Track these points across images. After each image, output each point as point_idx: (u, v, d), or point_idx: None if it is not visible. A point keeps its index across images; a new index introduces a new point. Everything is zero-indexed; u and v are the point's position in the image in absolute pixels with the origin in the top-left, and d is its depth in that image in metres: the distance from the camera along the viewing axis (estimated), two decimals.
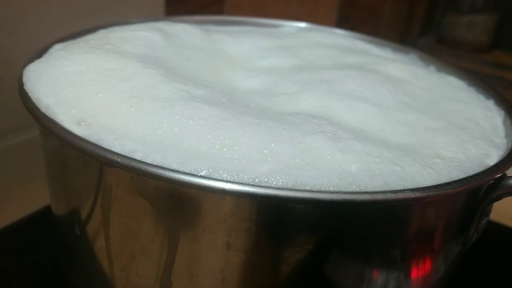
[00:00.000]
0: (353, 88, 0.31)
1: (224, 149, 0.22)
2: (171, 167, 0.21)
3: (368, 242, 0.24)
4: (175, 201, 0.23)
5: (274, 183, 0.21)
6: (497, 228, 0.46)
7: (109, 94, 0.26)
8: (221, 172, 0.21)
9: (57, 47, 0.32)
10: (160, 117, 0.24)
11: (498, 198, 0.27)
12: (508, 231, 0.47)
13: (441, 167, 0.25)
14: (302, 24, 0.47)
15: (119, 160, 0.22)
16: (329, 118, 0.27)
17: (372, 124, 0.28)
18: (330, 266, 0.24)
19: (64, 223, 0.30)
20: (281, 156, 0.22)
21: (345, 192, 0.21)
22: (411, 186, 0.23)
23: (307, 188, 0.21)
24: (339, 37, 0.45)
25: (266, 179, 0.21)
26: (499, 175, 0.26)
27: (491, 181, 0.26)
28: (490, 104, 0.35)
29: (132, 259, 0.26)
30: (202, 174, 0.21)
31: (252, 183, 0.21)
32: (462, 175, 0.25)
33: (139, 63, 0.29)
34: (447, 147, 0.27)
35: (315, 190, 0.21)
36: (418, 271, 0.27)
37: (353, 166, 0.22)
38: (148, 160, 0.22)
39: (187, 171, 0.21)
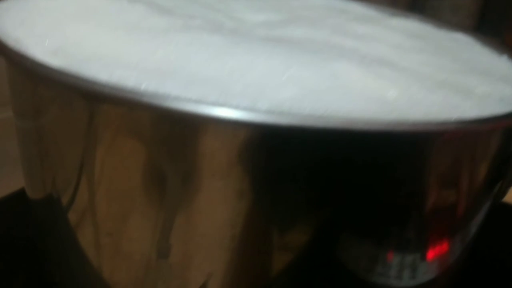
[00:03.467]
0: (362, 32, 0.27)
1: (235, 74, 0.17)
2: (171, 94, 0.17)
3: (397, 181, 0.20)
4: (176, 141, 0.18)
5: (302, 110, 0.16)
6: None
7: (92, 26, 0.21)
8: (233, 99, 0.17)
9: None
10: (154, 44, 0.19)
11: None
12: None
13: (481, 102, 0.21)
14: None
15: (106, 90, 0.17)
16: (348, 49, 0.23)
17: (393, 61, 0.24)
18: (359, 212, 0.20)
19: (38, 187, 0.25)
20: (305, 80, 0.17)
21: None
22: (455, 117, 0.18)
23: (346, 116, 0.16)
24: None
25: (291, 106, 0.17)
26: None
27: None
28: (504, 58, 0.32)
29: (122, 221, 0.21)
30: (211, 101, 0.17)
31: (275, 111, 0.16)
32: (506, 110, 0.21)
33: (125, 0, 0.25)
34: (480, 85, 0.23)
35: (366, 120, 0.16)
36: (450, 220, 0.23)
37: (391, 92, 0.18)
38: (143, 88, 0.17)
39: (192, 98, 0.17)
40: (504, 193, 0.24)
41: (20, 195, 0.39)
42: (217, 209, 0.19)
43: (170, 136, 0.18)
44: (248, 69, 0.18)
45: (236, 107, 0.16)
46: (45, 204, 0.25)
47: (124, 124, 0.18)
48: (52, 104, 0.20)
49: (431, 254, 0.23)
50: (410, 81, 0.20)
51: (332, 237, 0.20)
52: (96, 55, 0.18)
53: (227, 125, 0.16)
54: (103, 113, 0.18)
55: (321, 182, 0.18)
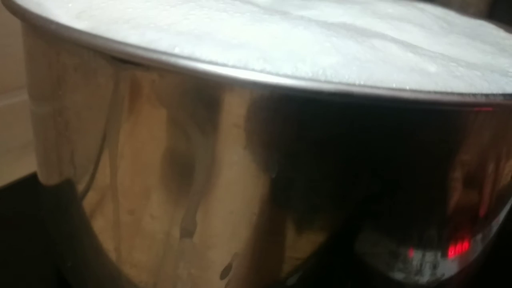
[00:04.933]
0: (390, 11, 0.26)
1: (275, 39, 0.16)
2: (208, 59, 0.16)
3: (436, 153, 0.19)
4: (208, 110, 0.16)
5: (346, 77, 0.15)
6: None
7: None
8: (274, 64, 0.16)
9: None
10: (186, 8, 0.18)
11: None
12: None
13: None
14: None
15: (139, 52, 0.15)
16: (377, 32, 0.22)
17: (423, 43, 0.23)
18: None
19: (53, 168, 0.23)
20: (347, 49, 0.16)
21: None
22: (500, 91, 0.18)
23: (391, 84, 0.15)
24: None
25: (334, 73, 0.16)
26: None
27: None
28: None
29: (145, 197, 0.19)
30: (251, 67, 0.16)
31: (319, 78, 0.15)
32: None
33: None
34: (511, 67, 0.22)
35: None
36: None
37: (432, 66, 0.17)
38: (177, 51, 0.16)
39: (229, 63, 0.16)
40: None
41: (28, 180, 0.37)
42: (246, 184, 0.18)
43: (202, 104, 0.16)
44: (288, 35, 0.16)
45: (277, 73, 0.15)
46: (60, 186, 0.23)
47: (154, 92, 0.17)
48: (76, 73, 0.19)
49: (452, 251, 0.23)
50: (448, 59, 0.19)
51: (354, 225, 0.19)
52: (124, 17, 0.17)
53: (267, 91, 0.15)
54: (131, 80, 0.17)
55: (354, 157, 0.17)
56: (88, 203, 0.22)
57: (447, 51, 0.22)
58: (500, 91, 0.18)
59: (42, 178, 0.26)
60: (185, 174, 0.18)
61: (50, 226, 0.27)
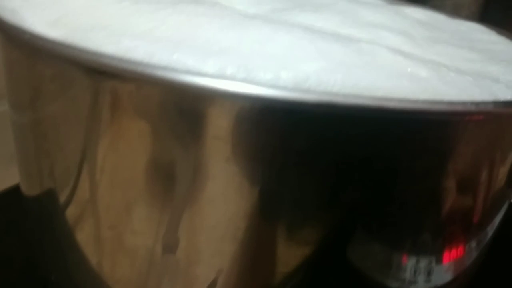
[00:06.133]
0: (373, 19, 0.25)
1: (255, 45, 0.16)
2: (185, 67, 0.15)
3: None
4: (188, 122, 0.16)
5: (331, 84, 0.15)
6: None
7: None
8: (255, 71, 0.15)
9: None
10: (164, 14, 0.17)
11: None
12: None
13: (509, 87, 0.19)
14: None
15: (114, 63, 0.15)
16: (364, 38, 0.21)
17: (411, 52, 0.22)
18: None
19: (35, 179, 0.22)
20: (332, 53, 0.16)
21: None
22: (493, 98, 0.17)
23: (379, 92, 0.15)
24: None
25: (318, 80, 0.15)
26: None
27: None
28: None
29: (126, 212, 0.19)
30: (230, 75, 0.15)
31: (302, 87, 0.15)
32: None
33: None
34: (503, 74, 0.21)
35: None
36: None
37: (422, 71, 0.16)
38: (155, 60, 0.15)
39: (210, 71, 0.15)
40: None
41: (13, 192, 0.36)
42: (230, 197, 0.17)
43: (182, 116, 0.16)
44: (269, 40, 0.16)
45: (257, 82, 0.14)
46: (41, 198, 0.22)
47: (132, 104, 0.16)
48: (52, 83, 0.18)
49: (446, 257, 0.22)
50: (434, 66, 0.18)
51: (344, 235, 0.18)
52: (100, 25, 0.16)
53: (245, 101, 0.15)
54: (108, 91, 0.16)
55: (341, 166, 0.16)
56: (69, 217, 0.21)
57: (437, 60, 0.22)
58: (492, 97, 0.17)
59: (24, 189, 0.25)
60: (167, 188, 0.17)
61: (33, 238, 0.26)
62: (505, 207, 0.24)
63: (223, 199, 0.17)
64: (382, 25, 0.24)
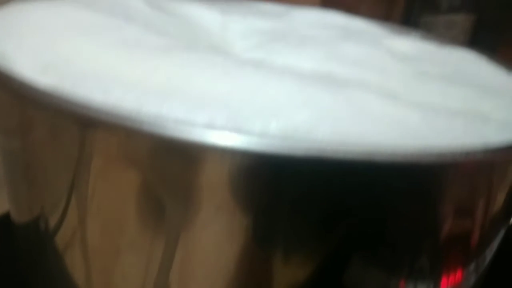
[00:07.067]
0: (356, 54, 0.25)
1: (245, 95, 0.16)
2: (175, 118, 0.15)
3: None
4: (177, 171, 0.16)
5: (320, 135, 0.15)
6: None
7: (86, 41, 0.19)
8: (244, 122, 0.15)
9: (17, 3, 0.25)
10: (156, 62, 0.17)
11: None
12: None
13: (500, 127, 0.19)
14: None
15: (101, 117, 0.15)
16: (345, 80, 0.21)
17: (398, 92, 0.22)
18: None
19: (27, 221, 0.22)
20: (318, 103, 0.16)
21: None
22: (481, 145, 0.17)
23: (365, 143, 0.15)
24: (335, 15, 0.39)
25: (307, 131, 0.15)
26: None
27: None
28: None
29: (116, 256, 0.19)
30: (218, 127, 0.15)
31: (291, 139, 0.15)
32: None
33: (121, 19, 0.23)
34: (495, 110, 0.21)
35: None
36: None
37: (411, 117, 0.16)
38: (143, 112, 0.15)
39: (199, 122, 0.15)
40: None
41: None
42: (221, 244, 0.17)
43: (171, 165, 0.16)
44: (259, 90, 0.16)
45: (247, 133, 0.14)
46: (31, 233, 0.22)
47: (120, 152, 0.16)
48: (41, 128, 0.18)
49: (444, 283, 0.22)
50: (425, 109, 0.18)
51: (340, 265, 0.18)
52: (91, 72, 0.16)
53: (235, 154, 0.15)
54: (96, 140, 0.16)
55: (333, 214, 0.16)
56: (57, 257, 0.21)
57: (427, 100, 0.22)
58: (483, 140, 0.17)
59: (14, 215, 0.24)
60: (156, 236, 0.17)
61: (23, 272, 0.26)
62: (503, 231, 0.24)
63: (215, 247, 0.17)
64: (368, 62, 0.24)
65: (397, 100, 0.17)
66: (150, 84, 0.16)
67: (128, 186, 0.17)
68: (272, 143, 0.14)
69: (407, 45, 0.31)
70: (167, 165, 0.15)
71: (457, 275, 0.22)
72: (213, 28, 0.29)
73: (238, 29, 0.30)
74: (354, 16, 0.41)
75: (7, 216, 0.25)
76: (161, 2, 0.30)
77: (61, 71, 0.17)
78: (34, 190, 0.20)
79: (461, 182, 0.17)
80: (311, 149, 0.14)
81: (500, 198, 0.20)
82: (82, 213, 0.18)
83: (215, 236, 0.16)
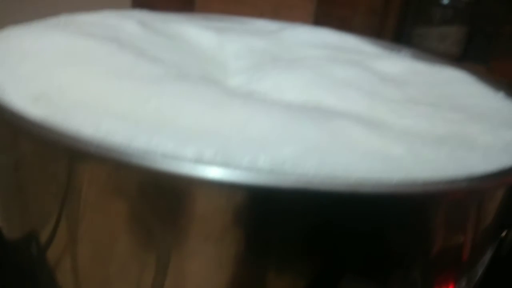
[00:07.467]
0: (343, 77, 0.25)
1: (234, 128, 0.16)
2: (164, 151, 0.15)
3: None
4: (167, 203, 0.16)
5: (307, 168, 0.15)
6: None
7: (79, 70, 0.19)
8: (232, 156, 0.15)
9: (11, 28, 0.25)
10: (147, 93, 0.17)
11: None
12: None
13: (486, 153, 0.20)
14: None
15: (91, 150, 0.15)
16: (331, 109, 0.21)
17: (385, 119, 0.22)
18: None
19: (18, 242, 0.22)
20: (305, 137, 0.16)
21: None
22: (465, 174, 0.17)
23: (350, 176, 0.15)
24: (327, 33, 0.39)
25: (293, 165, 0.15)
26: None
27: None
28: (501, 96, 0.31)
29: (107, 283, 0.19)
30: (206, 160, 0.15)
31: (278, 172, 0.15)
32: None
33: (114, 45, 0.23)
34: (481, 134, 0.22)
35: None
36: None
37: (396, 148, 0.17)
38: (133, 145, 0.15)
39: (188, 155, 0.15)
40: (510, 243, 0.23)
41: None
42: (210, 272, 0.17)
43: (160, 197, 0.16)
44: (248, 123, 0.16)
45: (235, 166, 0.15)
46: (21, 253, 0.22)
47: (109, 183, 0.16)
48: (32, 156, 0.18)
49: None
50: (410, 138, 0.18)
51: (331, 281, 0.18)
52: (82, 102, 0.17)
53: (224, 187, 0.15)
54: (86, 171, 0.16)
55: (321, 244, 0.17)
56: (52, 281, 0.21)
57: (414, 125, 0.22)
58: (467, 169, 0.18)
59: (5, 232, 0.24)
60: (146, 263, 0.17)
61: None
62: (494, 245, 0.24)
63: (203, 275, 0.17)
64: (356, 87, 0.24)
65: (382, 131, 0.18)
66: (140, 117, 0.16)
67: (118, 215, 0.17)
68: (260, 177, 0.14)
69: (396, 66, 0.31)
70: (156, 196, 0.16)
71: None
72: (209, 49, 0.29)
73: (232, 49, 0.30)
74: (347, 30, 0.41)
75: None
76: (157, 23, 0.31)
77: (52, 102, 0.17)
78: (25, 213, 0.21)
79: (445, 210, 0.17)
80: (298, 182, 0.14)
81: (488, 220, 0.21)
82: (72, 239, 0.18)
83: (204, 264, 0.17)
